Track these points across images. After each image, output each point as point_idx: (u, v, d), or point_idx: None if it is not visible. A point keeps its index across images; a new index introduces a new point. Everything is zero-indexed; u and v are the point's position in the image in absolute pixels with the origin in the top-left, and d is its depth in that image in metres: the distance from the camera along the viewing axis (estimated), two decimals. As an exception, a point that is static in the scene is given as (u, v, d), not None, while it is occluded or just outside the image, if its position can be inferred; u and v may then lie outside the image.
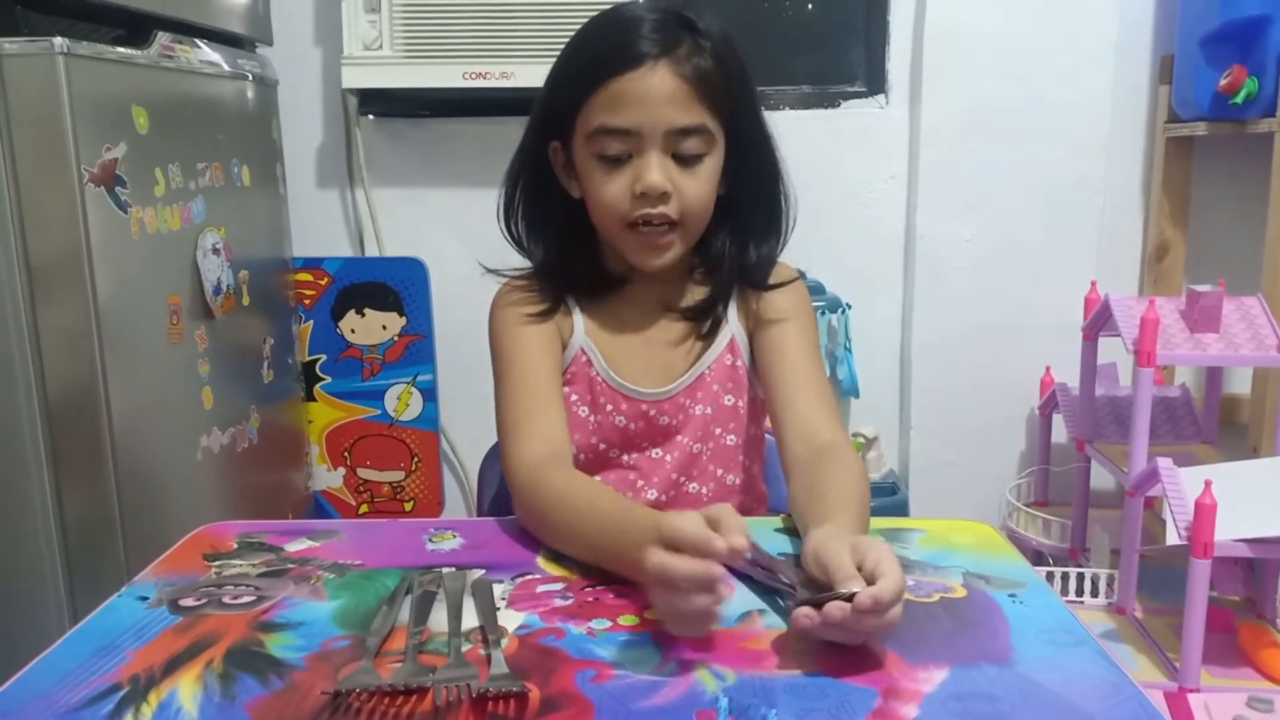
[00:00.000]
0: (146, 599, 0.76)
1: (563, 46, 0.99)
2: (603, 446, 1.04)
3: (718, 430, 1.05)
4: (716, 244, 1.02)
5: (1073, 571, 1.69)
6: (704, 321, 1.04)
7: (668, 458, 1.04)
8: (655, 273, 1.01)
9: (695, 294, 1.05)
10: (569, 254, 1.03)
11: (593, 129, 0.93)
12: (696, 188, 0.95)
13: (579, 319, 1.04)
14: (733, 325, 1.05)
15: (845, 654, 0.66)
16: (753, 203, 1.01)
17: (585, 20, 0.98)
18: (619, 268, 1.03)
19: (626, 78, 0.91)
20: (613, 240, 1.00)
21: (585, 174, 0.97)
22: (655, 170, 0.93)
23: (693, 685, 0.63)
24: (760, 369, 1.04)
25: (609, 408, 1.03)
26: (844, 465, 0.90)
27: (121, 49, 1.37)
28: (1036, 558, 1.86)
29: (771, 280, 1.04)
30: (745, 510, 1.06)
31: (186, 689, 0.63)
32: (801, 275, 1.09)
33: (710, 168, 0.96)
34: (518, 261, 1.07)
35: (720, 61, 0.94)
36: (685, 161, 0.94)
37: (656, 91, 0.91)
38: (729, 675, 0.64)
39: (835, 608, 0.64)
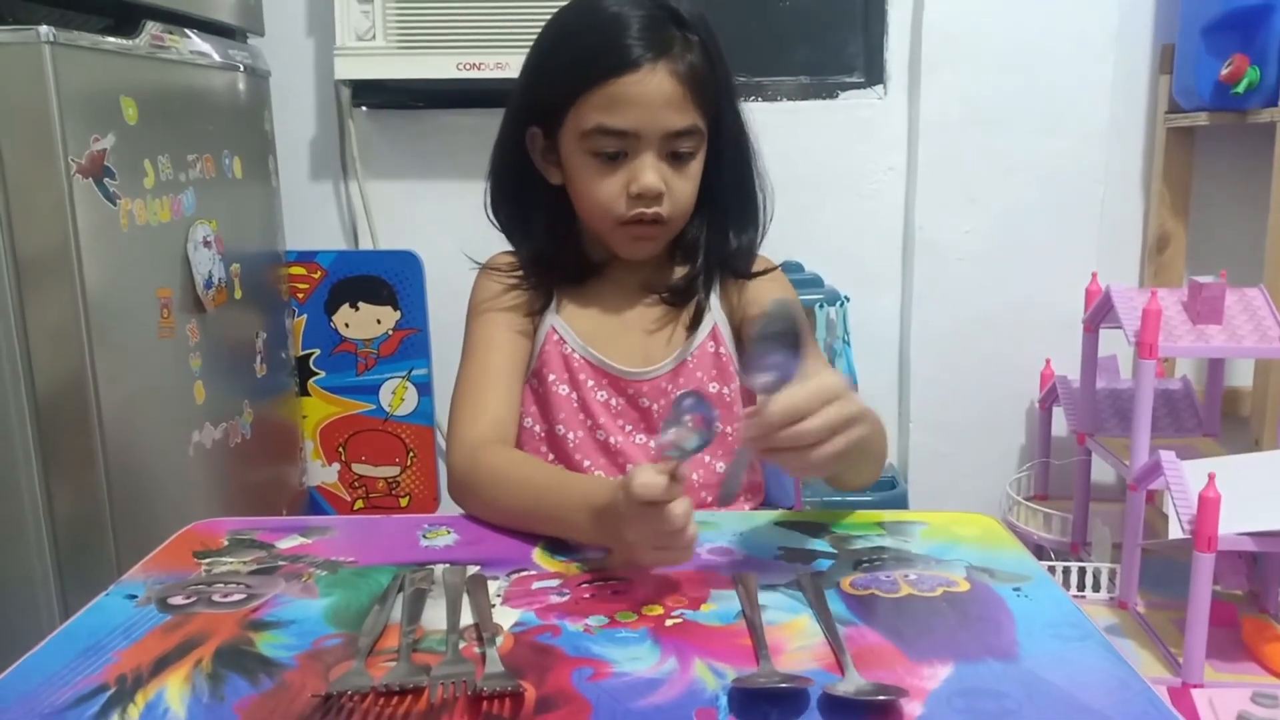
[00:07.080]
0: (135, 597, 0.75)
1: (542, 30, 0.99)
2: (589, 423, 1.03)
3: None
4: (694, 228, 1.03)
5: (1074, 566, 1.68)
6: (684, 305, 1.05)
7: (652, 444, 1.04)
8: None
9: (675, 277, 1.06)
10: (551, 243, 1.04)
11: (588, 128, 0.94)
12: (686, 186, 0.97)
13: (554, 300, 1.05)
14: (715, 313, 1.05)
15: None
16: (731, 189, 1.02)
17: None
18: (599, 253, 1.05)
19: (625, 80, 0.92)
20: (601, 233, 1.01)
21: (575, 169, 0.98)
22: (651, 172, 0.94)
23: (692, 683, 0.61)
24: None
25: (589, 384, 1.03)
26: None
27: (110, 39, 1.35)
28: (1037, 552, 1.85)
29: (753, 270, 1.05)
30: (738, 501, 1.05)
31: (174, 689, 0.61)
32: (809, 274, 1.09)
33: (698, 165, 0.98)
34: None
35: (707, 54, 0.95)
36: (677, 159, 0.96)
37: (655, 95, 0.92)
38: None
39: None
